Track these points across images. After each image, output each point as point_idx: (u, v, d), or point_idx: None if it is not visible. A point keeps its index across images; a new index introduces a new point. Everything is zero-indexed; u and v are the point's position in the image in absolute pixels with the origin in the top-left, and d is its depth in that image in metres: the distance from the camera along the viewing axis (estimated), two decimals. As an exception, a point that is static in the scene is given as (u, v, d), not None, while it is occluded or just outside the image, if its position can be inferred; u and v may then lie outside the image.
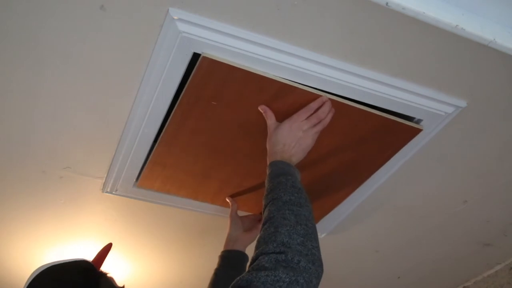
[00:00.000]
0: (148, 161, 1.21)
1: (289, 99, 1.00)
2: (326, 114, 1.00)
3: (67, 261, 0.95)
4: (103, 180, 1.28)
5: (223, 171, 1.24)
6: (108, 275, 0.99)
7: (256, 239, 0.87)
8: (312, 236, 0.85)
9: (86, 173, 1.26)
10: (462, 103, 1.02)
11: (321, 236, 1.50)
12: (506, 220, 1.47)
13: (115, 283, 0.99)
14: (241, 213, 1.38)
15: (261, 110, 1.03)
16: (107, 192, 1.31)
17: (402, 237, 1.55)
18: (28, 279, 0.90)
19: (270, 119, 1.03)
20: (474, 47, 0.87)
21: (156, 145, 1.15)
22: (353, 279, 1.84)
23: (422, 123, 1.07)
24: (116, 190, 1.30)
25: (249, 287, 0.74)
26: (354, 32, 0.87)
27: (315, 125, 1.00)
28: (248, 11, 0.84)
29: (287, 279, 0.75)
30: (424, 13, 0.81)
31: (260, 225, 1.35)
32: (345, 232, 1.50)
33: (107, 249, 1.07)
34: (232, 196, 1.34)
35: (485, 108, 1.04)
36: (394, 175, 1.24)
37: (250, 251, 1.28)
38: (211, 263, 1.26)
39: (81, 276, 0.92)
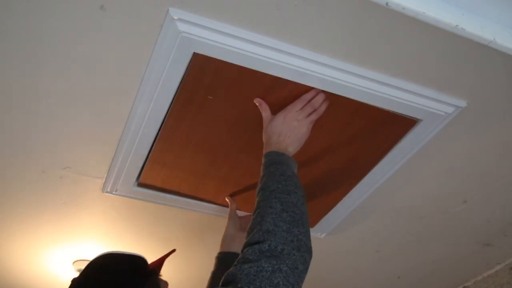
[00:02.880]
0: (147, 160, 1.21)
1: (283, 92, 1.01)
2: (320, 103, 1.01)
3: (125, 253, 1.02)
4: (103, 180, 1.28)
5: (222, 168, 1.25)
6: (160, 277, 1.04)
7: (246, 230, 0.88)
8: (299, 222, 0.85)
9: (86, 173, 1.26)
10: (462, 103, 1.02)
11: (321, 236, 1.50)
12: (506, 220, 1.47)
13: (163, 286, 1.04)
14: (241, 213, 1.38)
15: (256, 103, 1.04)
16: (107, 192, 1.31)
17: (402, 237, 1.55)
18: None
19: (265, 112, 1.03)
20: (474, 47, 0.87)
21: (155, 143, 1.15)
22: (353, 279, 1.84)
23: (422, 123, 1.07)
24: (116, 190, 1.30)
25: (234, 280, 0.75)
26: (354, 32, 0.87)
27: (309, 115, 1.01)
28: (248, 11, 0.84)
29: (270, 268, 0.75)
30: (424, 13, 0.81)
31: None
32: (345, 232, 1.50)
33: (168, 254, 1.13)
34: (232, 195, 1.35)
35: (485, 108, 1.04)
36: (394, 175, 1.24)
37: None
38: (212, 263, 1.26)
39: (131, 270, 0.98)
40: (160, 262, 1.06)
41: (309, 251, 0.82)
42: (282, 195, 0.88)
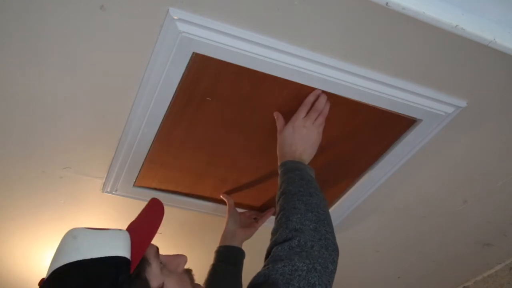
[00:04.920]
0: (145, 160, 1.20)
1: (282, 93, 1.00)
2: (323, 105, 1.01)
3: (95, 258, 0.73)
4: (103, 180, 1.28)
5: (220, 168, 1.25)
6: (146, 273, 0.75)
7: (271, 232, 0.87)
8: (325, 221, 0.85)
9: (86, 173, 1.26)
10: (462, 103, 1.02)
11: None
12: (506, 220, 1.47)
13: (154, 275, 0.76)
14: (238, 210, 1.38)
15: (275, 116, 1.05)
16: (107, 192, 1.31)
17: (402, 237, 1.55)
18: (52, 265, 0.76)
19: (279, 126, 1.05)
20: (474, 47, 0.87)
21: (152, 143, 1.15)
22: (353, 279, 1.84)
23: (422, 123, 1.07)
24: (116, 190, 1.30)
25: (267, 281, 0.73)
26: (354, 32, 0.87)
27: (316, 119, 1.02)
28: (248, 11, 0.84)
29: (305, 267, 0.74)
30: (424, 13, 0.81)
31: (257, 224, 1.35)
32: (345, 232, 1.50)
33: (149, 211, 0.84)
34: (229, 193, 1.35)
35: (485, 108, 1.04)
36: (394, 175, 1.24)
37: (246, 247, 1.28)
38: (211, 263, 1.26)
39: (106, 283, 0.71)
40: (144, 246, 0.77)
41: (336, 250, 0.82)
42: (305, 197, 0.88)
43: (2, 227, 1.51)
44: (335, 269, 0.79)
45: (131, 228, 0.82)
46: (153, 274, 0.76)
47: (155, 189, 1.32)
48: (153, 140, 1.14)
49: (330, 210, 1.39)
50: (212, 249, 1.29)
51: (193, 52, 0.90)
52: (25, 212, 1.43)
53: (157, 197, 1.34)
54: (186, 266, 0.87)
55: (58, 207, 1.40)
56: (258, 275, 0.76)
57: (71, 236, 0.79)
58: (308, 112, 1.01)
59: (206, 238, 1.54)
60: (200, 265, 1.43)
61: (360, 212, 1.39)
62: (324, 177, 1.26)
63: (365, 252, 1.65)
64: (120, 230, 0.80)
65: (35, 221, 1.47)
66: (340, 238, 1.52)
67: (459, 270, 1.77)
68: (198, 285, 0.83)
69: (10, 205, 1.40)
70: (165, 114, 1.05)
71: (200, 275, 1.25)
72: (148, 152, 1.17)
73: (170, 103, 1.02)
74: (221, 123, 1.10)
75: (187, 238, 1.57)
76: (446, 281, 1.84)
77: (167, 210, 1.39)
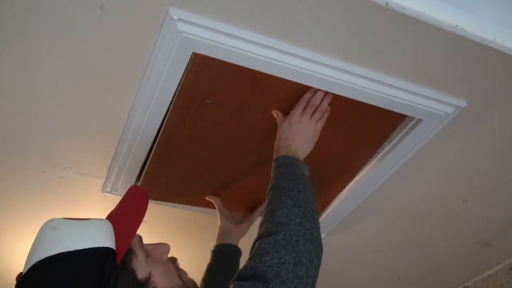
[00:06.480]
0: (144, 171, 1.20)
1: (282, 92, 1.01)
2: (319, 100, 1.01)
3: (79, 250, 0.71)
4: (103, 180, 1.28)
5: (220, 174, 1.24)
6: (132, 264, 0.74)
7: (258, 226, 0.87)
8: (311, 218, 0.85)
9: (86, 173, 1.26)
10: (462, 103, 1.02)
11: (321, 236, 1.50)
12: (506, 220, 1.47)
13: (140, 272, 0.74)
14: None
15: (274, 115, 1.05)
16: (107, 192, 1.31)
17: (402, 237, 1.55)
18: (32, 258, 0.73)
19: (279, 121, 1.05)
20: (474, 47, 0.87)
21: (152, 152, 1.14)
22: (353, 279, 1.84)
23: (422, 123, 1.07)
24: (116, 190, 1.30)
25: (255, 274, 0.73)
26: (354, 32, 0.87)
27: (313, 114, 1.01)
28: (248, 11, 0.84)
29: (292, 260, 0.75)
30: (424, 13, 0.81)
31: (253, 216, 1.35)
32: (345, 232, 1.50)
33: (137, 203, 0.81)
34: (229, 198, 1.34)
35: (485, 108, 1.04)
36: (394, 175, 1.24)
37: (242, 245, 1.28)
38: (207, 261, 1.26)
39: (93, 275, 0.69)
40: (129, 236, 0.75)
41: (320, 245, 0.82)
42: (292, 193, 0.88)
43: (2, 227, 1.51)
44: (320, 263, 0.80)
45: (113, 218, 0.80)
46: (140, 264, 0.75)
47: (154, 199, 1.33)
48: (154, 149, 1.13)
49: (330, 209, 1.39)
50: (209, 248, 1.30)
51: (193, 52, 0.90)
52: (25, 212, 1.43)
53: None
54: (169, 255, 0.87)
55: (58, 207, 1.40)
56: (245, 267, 0.75)
57: (50, 227, 0.77)
58: (305, 108, 1.01)
59: (206, 237, 1.54)
60: (200, 265, 1.44)
61: (360, 212, 1.39)
62: (322, 175, 1.26)
63: (365, 252, 1.65)
64: (101, 219, 0.78)
65: (35, 221, 1.47)
66: (340, 238, 1.54)
67: (459, 270, 1.77)
68: (183, 271, 0.85)
69: (10, 205, 1.40)
70: (165, 116, 1.05)
71: (197, 274, 1.25)
72: (148, 161, 1.17)
73: (170, 103, 1.02)
74: (220, 127, 1.09)
75: (187, 237, 1.56)
76: (446, 281, 1.84)
77: (165, 209, 1.40)
